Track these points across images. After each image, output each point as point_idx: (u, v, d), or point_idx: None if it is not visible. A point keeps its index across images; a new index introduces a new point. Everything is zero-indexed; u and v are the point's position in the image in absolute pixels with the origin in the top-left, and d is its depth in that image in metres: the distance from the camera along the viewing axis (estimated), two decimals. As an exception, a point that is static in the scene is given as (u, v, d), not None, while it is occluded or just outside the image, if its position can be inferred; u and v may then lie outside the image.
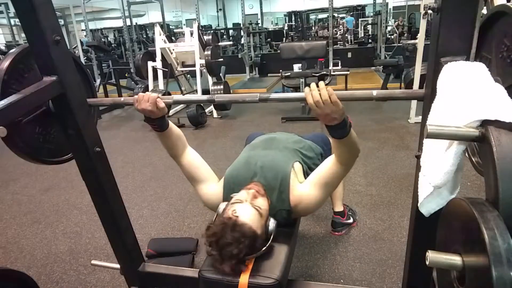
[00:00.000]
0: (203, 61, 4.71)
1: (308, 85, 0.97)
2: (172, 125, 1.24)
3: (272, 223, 1.15)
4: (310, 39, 10.35)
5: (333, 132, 1.02)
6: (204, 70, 4.83)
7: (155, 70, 4.96)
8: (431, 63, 0.82)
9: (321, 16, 15.20)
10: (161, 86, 4.98)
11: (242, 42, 9.01)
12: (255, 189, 1.19)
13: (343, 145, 1.07)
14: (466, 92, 0.60)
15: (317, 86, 0.93)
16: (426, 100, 0.85)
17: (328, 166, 1.20)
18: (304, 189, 1.24)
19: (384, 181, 2.61)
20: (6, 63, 0.97)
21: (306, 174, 1.36)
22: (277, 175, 1.27)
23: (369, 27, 10.61)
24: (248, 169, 1.32)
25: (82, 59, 8.18)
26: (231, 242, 1.02)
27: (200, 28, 5.65)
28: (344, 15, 12.79)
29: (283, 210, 1.25)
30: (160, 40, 4.84)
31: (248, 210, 1.11)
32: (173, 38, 5.91)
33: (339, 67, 5.24)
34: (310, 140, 1.60)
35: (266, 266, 1.09)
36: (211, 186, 1.33)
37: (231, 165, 1.41)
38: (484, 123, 0.51)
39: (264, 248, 1.11)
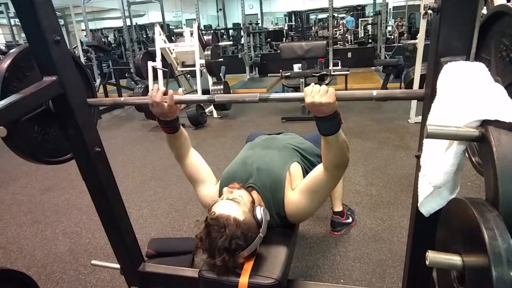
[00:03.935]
0: (203, 61, 4.72)
1: (308, 85, 0.97)
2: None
3: (259, 210, 1.13)
4: (310, 39, 10.36)
5: (321, 125, 1.02)
6: (204, 70, 4.83)
7: (155, 70, 4.96)
8: (431, 63, 0.82)
9: (321, 16, 15.22)
10: (161, 86, 4.98)
11: (242, 42, 9.01)
12: (230, 186, 1.20)
13: (331, 146, 1.06)
14: (466, 92, 0.60)
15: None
16: (426, 100, 0.85)
17: (316, 173, 1.19)
18: (294, 197, 1.23)
19: (384, 181, 2.61)
20: (6, 63, 0.97)
21: (305, 173, 1.36)
22: (272, 181, 1.26)
23: (369, 27, 10.61)
24: (244, 170, 1.32)
25: (82, 59, 8.18)
26: (215, 237, 1.02)
27: (201, 28, 5.65)
28: (344, 15, 12.79)
29: (279, 214, 1.25)
30: (160, 40, 4.84)
31: (222, 203, 1.11)
32: (173, 38, 5.90)
33: (339, 67, 5.24)
34: (312, 141, 1.60)
35: (266, 266, 1.09)
36: (209, 187, 1.33)
37: (228, 165, 1.41)
38: (484, 123, 0.51)
39: (258, 236, 1.08)
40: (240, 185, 1.22)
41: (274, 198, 1.24)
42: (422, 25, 3.60)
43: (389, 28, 10.25)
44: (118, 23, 12.56)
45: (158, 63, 4.90)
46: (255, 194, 1.25)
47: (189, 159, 1.33)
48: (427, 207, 0.70)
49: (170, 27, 12.65)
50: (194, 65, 4.84)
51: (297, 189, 1.24)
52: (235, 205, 1.10)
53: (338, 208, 1.97)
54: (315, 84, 0.96)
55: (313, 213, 1.30)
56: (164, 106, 1.11)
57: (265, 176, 1.27)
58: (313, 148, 1.56)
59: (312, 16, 14.97)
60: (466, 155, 0.80)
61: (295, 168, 1.35)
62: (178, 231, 2.19)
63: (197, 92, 5.09)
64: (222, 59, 5.17)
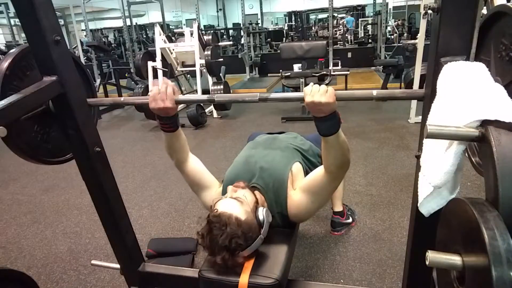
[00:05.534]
0: (203, 61, 4.72)
1: (308, 85, 0.97)
2: None
3: (261, 211, 1.12)
4: (310, 39, 10.36)
5: (320, 125, 1.01)
6: (204, 70, 4.83)
7: (155, 70, 4.96)
8: (431, 63, 0.82)
9: (321, 16, 15.21)
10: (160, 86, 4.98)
11: (242, 42, 9.01)
12: (235, 184, 1.20)
13: (331, 146, 1.06)
14: (466, 92, 0.60)
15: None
16: (426, 100, 0.85)
17: (317, 174, 1.19)
18: (296, 197, 1.23)
19: (384, 181, 2.61)
20: (6, 63, 0.97)
21: (306, 174, 1.36)
22: (275, 180, 1.26)
23: (369, 27, 10.60)
24: (247, 170, 1.32)
25: (82, 59, 8.18)
26: (216, 234, 1.02)
27: (201, 28, 5.64)
28: (344, 15, 12.78)
29: (281, 213, 1.25)
30: (160, 40, 4.84)
31: (226, 201, 1.11)
32: (173, 38, 5.89)
33: (339, 67, 5.25)
34: (312, 140, 1.60)
35: (266, 266, 1.09)
36: (213, 192, 1.33)
37: (231, 165, 1.41)
38: (484, 123, 0.51)
39: (259, 237, 1.09)
40: (245, 184, 1.22)
41: (277, 198, 1.24)
42: (422, 25, 3.60)
43: (389, 28, 10.25)
44: (118, 23, 12.55)
45: (158, 63, 4.90)
46: (258, 194, 1.24)
47: (190, 165, 1.31)
48: (427, 207, 0.70)
49: (170, 27, 12.64)
50: (194, 65, 4.84)
51: (298, 189, 1.24)
52: (237, 204, 1.10)
53: (338, 208, 1.97)
54: (315, 84, 0.96)
55: (315, 213, 1.30)
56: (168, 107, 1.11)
57: (267, 175, 1.27)
58: (314, 148, 1.55)
59: (312, 16, 14.97)
60: (466, 155, 0.80)
61: (297, 168, 1.35)
62: (178, 231, 2.19)
63: (197, 92, 5.09)
64: (222, 59, 5.17)
